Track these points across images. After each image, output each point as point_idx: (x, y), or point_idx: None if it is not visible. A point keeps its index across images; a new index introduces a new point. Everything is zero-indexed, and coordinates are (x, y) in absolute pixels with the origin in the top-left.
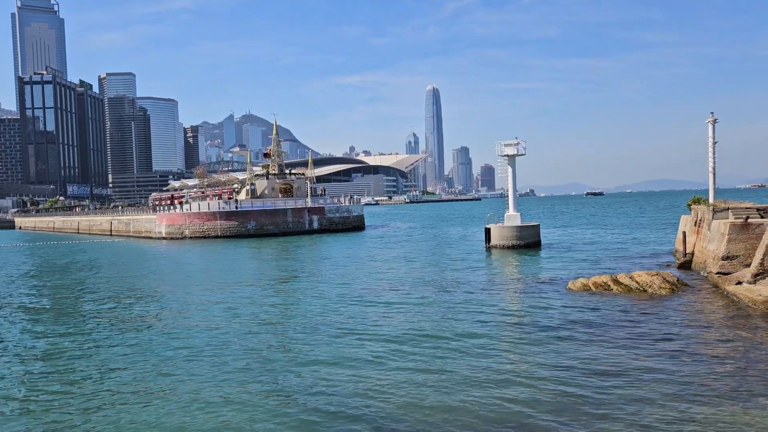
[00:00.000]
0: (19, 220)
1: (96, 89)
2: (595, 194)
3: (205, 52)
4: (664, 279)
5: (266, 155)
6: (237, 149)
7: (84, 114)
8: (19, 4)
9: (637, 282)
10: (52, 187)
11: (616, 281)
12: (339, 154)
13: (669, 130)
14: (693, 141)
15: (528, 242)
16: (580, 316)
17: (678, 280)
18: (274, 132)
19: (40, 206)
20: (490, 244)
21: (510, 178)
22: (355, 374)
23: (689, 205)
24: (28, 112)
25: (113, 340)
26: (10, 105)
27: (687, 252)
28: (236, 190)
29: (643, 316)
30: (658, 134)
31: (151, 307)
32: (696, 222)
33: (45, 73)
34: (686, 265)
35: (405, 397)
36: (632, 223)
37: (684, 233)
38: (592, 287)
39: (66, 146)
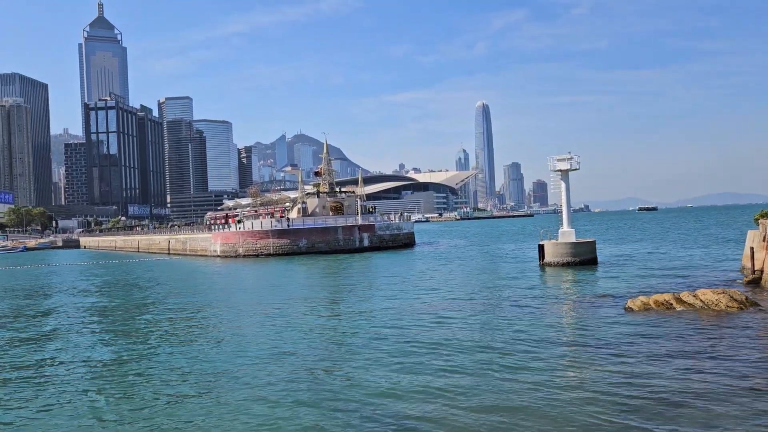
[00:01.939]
0: (83, 240)
1: (155, 113)
2: (648, 209)
3: (257, 74)
4: (732, 297)
5: (317, 174)
6: (289, 168)
7: (144, 137)
8: (85, 35)
9: (701, 300)
10: (114, 207)
11: (679, 300)
12: (389, 172)
13: (731, 142)
14: (758, 152)
15: (583, 259)
16: (641, 336)
17: (747, 299)
18: (325, 151)
19: (103, 226)
20: (544, 261)
21: (563, 193)
22: (408, 393)
23: (757, 220)
24: (93, 137)
25: (170, 353)
26: (77, 130)
27: (755, 269)
28: (288, 208)
29: (711, 337)
30: (720, 146)
31: (209, 323)
32: (765, 237)
33: (109, 99)
34: (755, 283)
35: (458, 419)
36: (693, 239)
37: (752, 249)
38: (653, 306)
39: (127, 168)
